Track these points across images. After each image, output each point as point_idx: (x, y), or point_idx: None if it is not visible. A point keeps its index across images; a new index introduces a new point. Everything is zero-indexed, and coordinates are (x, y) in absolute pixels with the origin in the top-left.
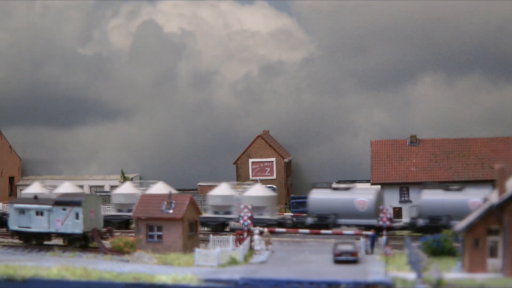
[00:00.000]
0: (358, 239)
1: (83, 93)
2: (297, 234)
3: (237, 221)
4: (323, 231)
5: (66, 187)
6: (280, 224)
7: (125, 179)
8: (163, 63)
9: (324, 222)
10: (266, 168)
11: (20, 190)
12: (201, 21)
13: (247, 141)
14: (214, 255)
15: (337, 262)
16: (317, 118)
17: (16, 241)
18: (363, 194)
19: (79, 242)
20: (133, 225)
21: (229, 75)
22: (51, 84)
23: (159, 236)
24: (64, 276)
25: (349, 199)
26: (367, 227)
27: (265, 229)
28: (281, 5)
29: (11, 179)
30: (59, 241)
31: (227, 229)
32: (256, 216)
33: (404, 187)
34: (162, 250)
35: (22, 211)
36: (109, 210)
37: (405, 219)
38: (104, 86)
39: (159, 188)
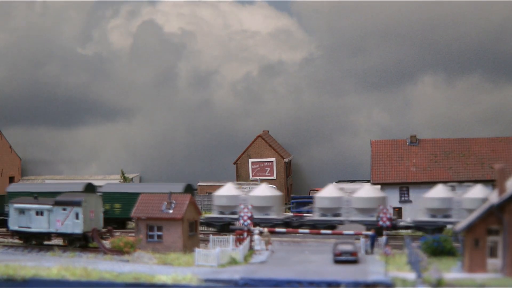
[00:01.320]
0: (358, 239)
1: (83, 93)
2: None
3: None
4: (323, 231)
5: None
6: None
7: (125, 179)
8: (163, 63)
9: None
10: (266, 168)
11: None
12: (201, 21)
13: (247, 141)
14: (214, 255)
15: (337, 262)
16: (317, 118)
17: (16, 241)
18: None
19: (79, 242)
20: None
21: (229, 75)
22: (51, 84)
23: (159, 236)
24: (64, 276)
25: None
26: None
27: (265, 229)
28: (281, 5)
29: (11, 179)
30: (59, 241)
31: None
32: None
33: (404, 187)
34: (162, 250)
35: (22, 211)
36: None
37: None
38: (104, 86)
39: (263, 190)
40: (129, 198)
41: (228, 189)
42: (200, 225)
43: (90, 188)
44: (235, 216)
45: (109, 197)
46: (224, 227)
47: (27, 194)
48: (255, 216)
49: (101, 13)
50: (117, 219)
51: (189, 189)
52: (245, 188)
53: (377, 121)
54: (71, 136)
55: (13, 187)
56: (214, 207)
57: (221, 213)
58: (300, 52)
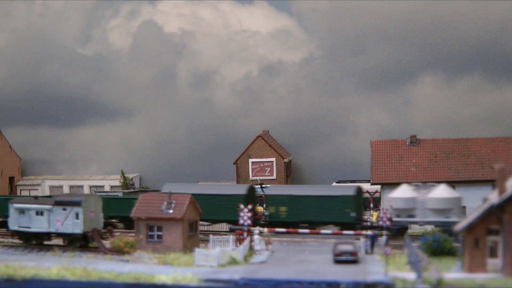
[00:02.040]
0: (358, 239)
1: (83, 93)
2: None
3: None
4: (323, 231)
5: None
6: None
7: (125, 179)
8: (163, 63)
9: None
10: (266, 168)
11: (21, 190)
12: (201, 21)
13: (247, 141)
14: (214, 255)
15: (337, 262)
16: (317, 118)
17: (16, 241)
18: None
19: (79, 242)
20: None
21: (229, 75)
22: (51, 84)
23: (159, 236)
24: (64, 276)
25: None
26: None
27: (265, 229)
28: (281, 5)
29: (11, 179)
30: (59, 241)
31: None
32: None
33: None
34: (162, 250)
35: (22, 211)
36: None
37: None
38: (104, 86)
39: (442, 191)
40: (296, 201)
41: (404, 191)
42: (370, 228)
43: (251, 190)
44: (413, 220)
45: (274, 200)
46: (400, 231)
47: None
48: (434, 219)
49: (101, 13)
50: (283, 223)
51: (360, 191)
52: (421, 189)
53: (377, 121)
54: (71, 136)
55: (168, 187)
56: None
57: (397, 216)
58: (300, 52)
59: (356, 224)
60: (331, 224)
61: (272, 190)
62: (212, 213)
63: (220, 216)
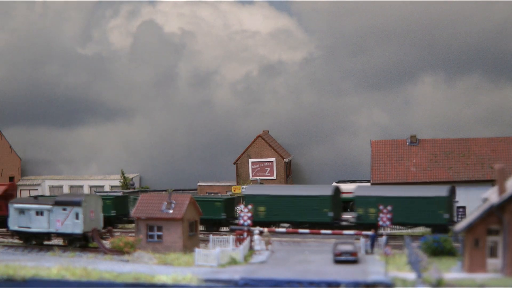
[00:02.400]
0: (358, 239)
1: (83, 93)
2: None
3: None
4: (323, 231)
5: None
6: None
7: (125, 179)
8: (163, 63)
9: None
10: (266, 168)
11: (21, 190)
12: (201, 21)
13: (247, 141)
14: (214, 255)
15: (337, 262)
16: (317, 118)
17: (16, 241)
18: None
19: (79, 242)
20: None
21: (229, 75)
22: (51, 84)
23: (159, 236)
24: (64, 276)
25: None
26: None
27: (265, 229)
28: (281, 5)
29: (11, 179)
30: (59, 241)
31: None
32: None
33: None
34: (162, 250)
35: (22, 211)
36: None
37: None
38: (104, 86)
39: None
40: (386, 203)
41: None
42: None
43: (337, 192)
44: None
45: (363, 201)
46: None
47: (265, 197)
48: None
49: (101, 13)
50: (371, 224)
51: (453, 192)
52: None
53: (377, 121)
54: (71, 136)
55: (249, 190)
56: None
57: None
58: (300, 52)
59: (449, 225)
60: (422, 226)
61: (361, 191)
62: (296, 215)
63: (304, 218)
